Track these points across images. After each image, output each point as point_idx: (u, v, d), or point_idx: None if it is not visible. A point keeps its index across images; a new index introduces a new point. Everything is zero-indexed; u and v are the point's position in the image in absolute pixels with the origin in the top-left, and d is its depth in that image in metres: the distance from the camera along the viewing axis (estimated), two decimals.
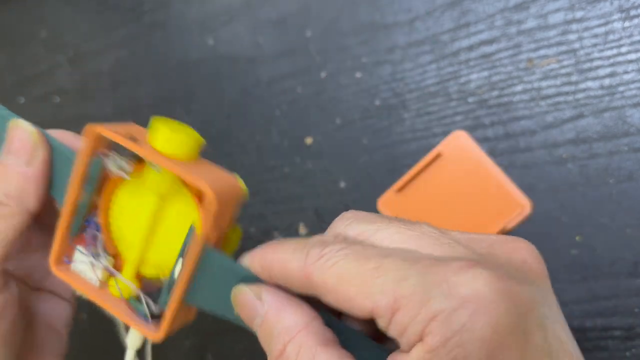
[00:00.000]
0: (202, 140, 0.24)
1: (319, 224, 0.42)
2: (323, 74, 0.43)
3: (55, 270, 0.26)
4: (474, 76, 0.39)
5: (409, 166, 0.40)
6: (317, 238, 0.21)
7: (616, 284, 0.35)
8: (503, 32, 0.38)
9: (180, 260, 0.23)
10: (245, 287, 0.23)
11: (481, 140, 0.38)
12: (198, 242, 0.23)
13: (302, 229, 0.43)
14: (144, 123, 0.53)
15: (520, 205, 0.37)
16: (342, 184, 0.42)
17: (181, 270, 0.23)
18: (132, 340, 0.26)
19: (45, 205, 0.28)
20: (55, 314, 0.30)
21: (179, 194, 0.25)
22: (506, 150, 0.37)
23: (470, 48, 0.39)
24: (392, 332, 0.19)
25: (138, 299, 0.25)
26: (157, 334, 0.24)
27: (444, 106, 0.39)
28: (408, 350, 0.19)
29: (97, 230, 0.26)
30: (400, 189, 0.40)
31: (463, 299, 0.18)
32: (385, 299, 0.19)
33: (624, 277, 0.35)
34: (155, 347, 0.27)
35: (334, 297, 0.20)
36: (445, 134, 0.39)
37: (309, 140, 0.43)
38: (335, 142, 0.42)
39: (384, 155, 0.41)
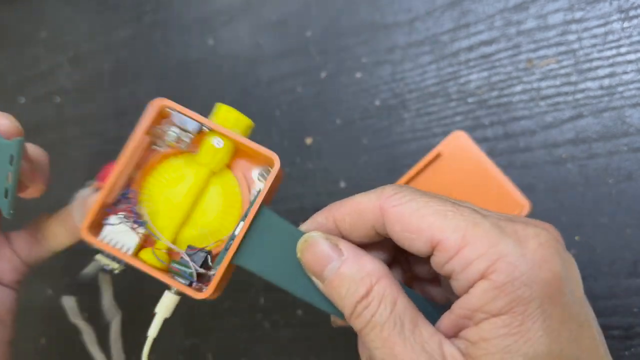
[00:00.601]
0: (252, 123, 0.28)
1: None
2: (323, 74, 0.43)
3: (87, 236, 0.26)
4: (473, 76, 0.39)
5: (409, 166, 0.40)
6: (385, 185, 0.24)
7: (615, 283, 0.35)
8: (503, 32, 0.38)
9: (241, 223, 0.25)
10: (320, 236, 0.24)
11: (481, 141, 0.38)
12: (258, 201, 0.25)
13: None
14: None
15: (520, 205, 0.37)
16: (342, 184, 0.42)
17: (239, 230, 0.25)
18: (164, 307, 0.27)
19: None
20: None
21: (225, 171, 0.28)
22: (506, 150, 0.38)
23: (470, 48, 0.39)
24: (452, 266, 0.21)
25: (179, 262, 0.27)
26: (203, 293, 0.26)
27: (443, 106, 0.39)
28: (466, 289, 0.21)
29: (134, 200, 0.27)
30: None
31: (531, 249, 0.21)
32: (456, 235, 0.21)
33: (623, 276, 0.35)
34: (155, 346, 0.27)
35: (402, 227, 0.22)
36: (445, 134, 0.39)
37: (309, 140, 0.43)
38: (335, 142, 0.42)
39: (384, 155, 0.41)
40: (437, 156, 0.39)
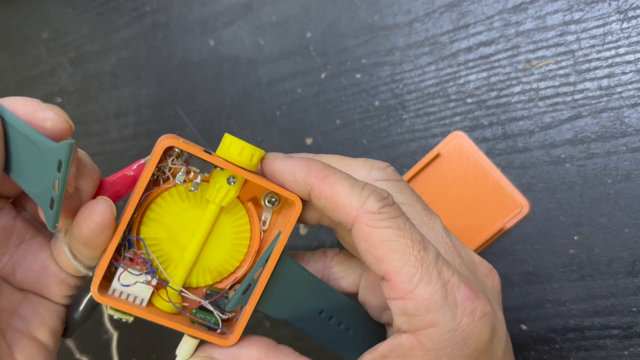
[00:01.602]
0: (263, 152, 0.25)
1: None
2: (323, 75, 0.43)
3: (98, 298, 0.24)
4: (472, 77, 0.39)
5: (408, 166, 0.40)
6: (372, 187, 0.24)
7: (614, 283, 0.35)
8: (501, 33, 0.38)
9: (261, 264, 0.25)
10: None
11: (480, 141, 0.38)
12: (281, 244, 0.25)
13: (303, 229, 0.44)
14: (145, 123, 0.53)
15: (519, 205, 0.37)
16: None
17: (261, 275, 0.25)
18: (184, 352, 0.26)
19: (19, 191, 0.26)
20: (39, 321, 0.27)
21: (235, 205, 0.26)
22: (504, 150, 0.38)
23: (469, 49, 0.39)
24: (392, 304, 0.23)
25: (200, 310, 0.26)
26: (228, 340, 0.25)
27: (442, 107, 0.40)
28: (396, 329, 0.24)
29: (136, 247, 0.25)
30: None
31: (463, 325, 0.23)
32: (407, 285, 0.22)
33: (621, 276, 0.35)
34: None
35: (367, 247, 0.23)
36: (444, 134, 0.39)
37: (309, 141, 0.44)
38: (335, 142, 0.43)
39: (383, 156, 0.41)
40: (437, 156, 0.39)
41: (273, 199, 0.26)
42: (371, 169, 0.26)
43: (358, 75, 0.42)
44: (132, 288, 0.25)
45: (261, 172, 0.26)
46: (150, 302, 0.26)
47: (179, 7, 0.49)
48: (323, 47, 0.43)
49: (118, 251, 0.25)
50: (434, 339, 0.22)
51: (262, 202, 0.26)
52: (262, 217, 0.27)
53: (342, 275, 0.29)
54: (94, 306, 0.27)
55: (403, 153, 0.40)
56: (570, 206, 0.36)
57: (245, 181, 0.26)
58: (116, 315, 0.25)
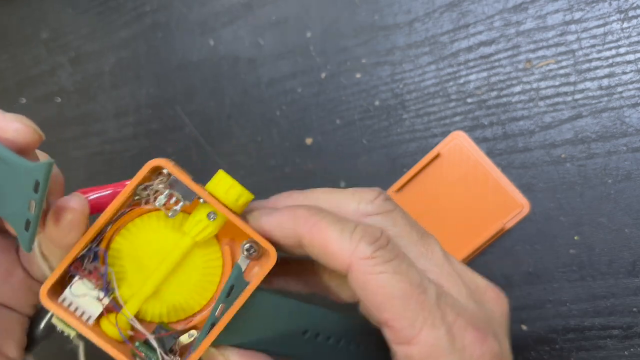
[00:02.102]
0: (252, 197, 0.24)
1: None
2: (323, 75, 0.43)
3: (46, 302, 0.23)
4: (472, 77, 0.39)
5: (409, 166, 0.40)
6: (363, 229, 0.23)
7: (614, 283, 0.35)
8: (502, 33, 0.38)
9: (222, 301, 0.23)
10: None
11: (480, 141, 0.38)
12: (250, 289, 0.23)
13: None
14: (145, 123, 0.53)
15: (519, 205, 0.37)
16: (342, 184, 0.42)
17: (224, 312, 0.23)
18: None
19: None
20: (5, 335, 0.25)
21: (211, 244, 0.25)
22: (505, 150, 0.38)
23: (469, 49, 0.39)
24: (396, 348, 0.22)
25: (144, 344, 0.24)
26: None
27: (443, 107, 0.39)
28: None
29: (100, 261, 0.24)
30: (400, 189, 0.40)
31: None
32: (411, 331, 0.22)
33: (622, 276, 0.35)
34: None
35: (364, 295, 0.22)
36: (444, 134, 0.39)
37: (309, 141, 0.44)
38: (335, 142, 0.43)
39: (383, 156, 0.41)
40: (437, 156, 0.39)
41: (252, 250, 0.25)
42: (360, 202, 0.24)
43: (358, 75, 0.42)
44: (82, 301, 0.23)
45: (244, 218, 0.24)
46: (97, 322, 0.24)
47: (179, 6, 0.49)
48: (323, 46, 0.43)
49: (81, 260, 0.24)
50: None
51: (240, 249, 0.25)
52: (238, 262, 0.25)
53: (338, 290, 0.27)
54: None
55: (403, 153, 0.40)
56: (571, 206, 0.36)
57: (227, 221, 0.24)
58: (59, 326, 0.24)
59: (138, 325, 0.24)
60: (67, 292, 0.23)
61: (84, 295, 0.23)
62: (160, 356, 0.24)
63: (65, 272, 0.23)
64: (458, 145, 0.39)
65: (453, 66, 0.39)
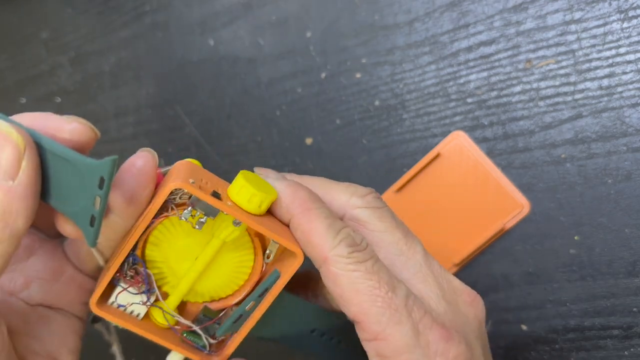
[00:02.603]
0: (276, 195, 0.25)
1: None
2: (323, 75, 0.43)
3: (96, 310, 0.25)
4: (473, 77, 0.39)
5: (409, 166, 0.40)
6: (348, 232, 0.24)
7: (614, 283, 0.35)
8: (502, 33, 0.38)
9: (253, 299, 0.25)
10: None
11: (480, 141, 0.38)
12: (278, 286, 0.25)
13: None
14: (145, 123, 0.53)
15: (519, 205, 0.37)
16: None
17: (256, 308, 0.25)
18: None
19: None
20: (58, 341, 0.26)
21: (241, 236, 0.26)
22: (505, 150, 0.38)
23: (469, 49, 0.39)
24: (366, 345, 0.23)
25: (191, 330, 0.26)
26: None
27: (443, 107, 0.39)
28: None
29: (142, 265, 0.26)
30: (400, 189, 0.40)
31: None
32: (377, 326, 0.23)
33: (622, 276, 0.35)
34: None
35: (334, 291, 0.23)
36: (444, 134, 0.39)
37: (309, 141, 0.44)
38: (335, 142, 0.43)
39: (383, 156, 0.41)
40: (437, 156, 0.39)
41: None
42: (352, 196, 0.26)
43: (358, 75, 0.42)
44: (128, 302, 0.26)
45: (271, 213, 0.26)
46: (146, 316, 0.26)
47: (179, 6, 0.49)
48: (323, 46, 0.43)
49: (121, 268, 0.25)
50: None
51: (270, 240, 0.26)
52: (267, 250, 0.27)
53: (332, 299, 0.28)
54: None
55: (403, 153, 0.40)
56: (571, 206, 0.36)
57: None
58: (113, 322, 0.26)
59: (182, 319, 0.26)
60: (113, 300, 0.25)
61: (129, 303, 0.26)
62: (205, 341, 0.26)
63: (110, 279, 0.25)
64: (458, 145, 0.39)
65: (453, 66, 0.39)
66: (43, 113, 0.22)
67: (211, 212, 0.24)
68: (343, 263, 0.23)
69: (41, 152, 0.21)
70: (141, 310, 0.26)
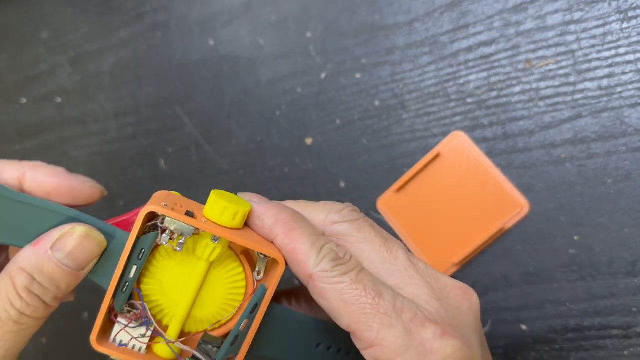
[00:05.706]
0: (249, 207, 0.26)
1: None
2: (323, 75, 0.43)
3: (98, 347, 0.25)
4: (472, 77, 0.39)
5: (409, 166, 0.40)
6: (331, 248, 0.25)
7: (614, 283, 0.35)
8: (502, 33, 0.38)
9: (246, 317, 0.26)
10: None
11: (480, 141, 0.38)
12: (268, 297, 0.25)
13: None
14: (145, 123, 0.53)
15: (519, 205, 0.37)
16: (342, 184, 0.42)
17: (251, 325, 0.26)
18: None
19: None
20: None
21: (226, 257, 0.27)
22: (505, 150, 0.38)
23: (469, 49, 0.39)
24: (365, 354, 0.24)
25: (193, 357, 0.27)
26: None
27: (443, 107, 0.39)
28: None
29: (140, 298, 0.26)
30: (400, 189, 0.40)
31: None
32: (369, 333, 0.23)
33: (622, 276, 0.35)
34: None
35: (325, 305, 0.24)
36: (444, 134, 0.39)
37: (309, 141, 0.44)
38: (335, 142, 0.43)
39: (383, 156, 0.41)
40: (437, 156, 0.39)
41: (264, 254, 0.26)
42: (329, 213, 0.27)
43: (358, 75, 0.42)
44: (129, 337, 0.26)
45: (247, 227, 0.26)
46: (149, 349, 0.27)
47: (179, 6, 0.49)
48: (323, 46, 0.43)
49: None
50: None
51: (256, 254, 0.27)
52: (257, 267, 0.27)
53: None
54: None
55: (403, 153, 0.40)
56: (571, 206, 0.36)
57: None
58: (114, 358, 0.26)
59: (183, 346, 0.27)
60: (113, 337, 0.26)
61: (129, 338, 0.26)
62: None
63: (107, 314, 0.26)
64: (458, 145, 0.39)
65: (453, 66, 0.39)
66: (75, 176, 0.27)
67: (188, 232, 0.24)
68: (328, 277, 0.24)
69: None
70: (142, 345, 0.26)
